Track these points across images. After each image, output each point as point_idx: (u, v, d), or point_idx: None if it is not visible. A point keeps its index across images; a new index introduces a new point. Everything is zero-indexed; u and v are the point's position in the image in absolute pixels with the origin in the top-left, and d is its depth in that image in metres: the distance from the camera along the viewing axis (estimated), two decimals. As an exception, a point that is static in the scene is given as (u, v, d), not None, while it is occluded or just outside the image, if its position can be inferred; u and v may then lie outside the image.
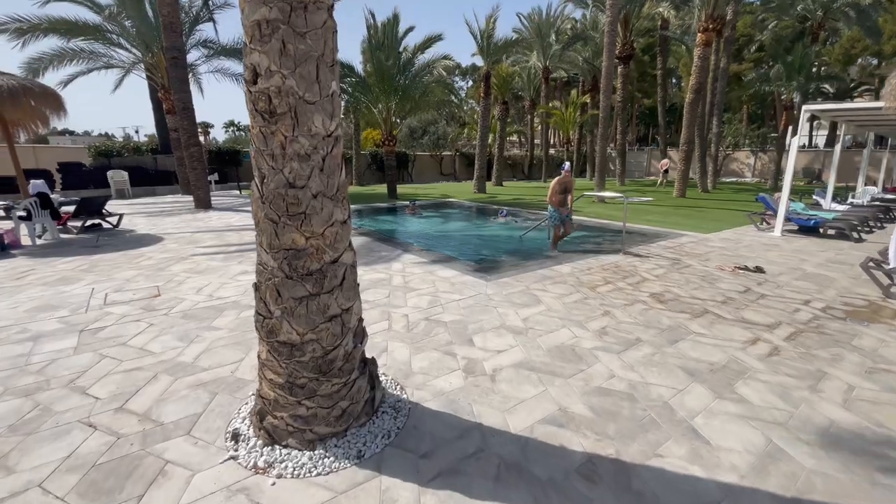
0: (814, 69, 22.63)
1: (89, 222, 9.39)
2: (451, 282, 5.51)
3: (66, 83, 16.72)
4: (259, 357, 2.47)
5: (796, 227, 9.77)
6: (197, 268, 6.22)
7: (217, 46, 17.87)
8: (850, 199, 13.54)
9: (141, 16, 15.32)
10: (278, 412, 2.39)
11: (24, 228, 8.08)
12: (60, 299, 4.90)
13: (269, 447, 2.37)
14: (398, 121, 17.38)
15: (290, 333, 2.29)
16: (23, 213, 8.07)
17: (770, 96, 35.57)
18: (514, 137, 45.52)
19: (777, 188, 21.69)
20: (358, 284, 2.56)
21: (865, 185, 14.78)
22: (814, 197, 13.08)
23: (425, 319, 4.24)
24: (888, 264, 5.53)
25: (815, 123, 39.22)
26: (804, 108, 8.86)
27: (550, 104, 25.59)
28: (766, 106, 40.67)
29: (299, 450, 2.35)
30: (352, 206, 2.51)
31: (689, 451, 2.44)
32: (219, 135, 71.91)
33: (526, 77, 28.83)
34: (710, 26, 15.64)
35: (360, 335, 2.60)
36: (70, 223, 9.30)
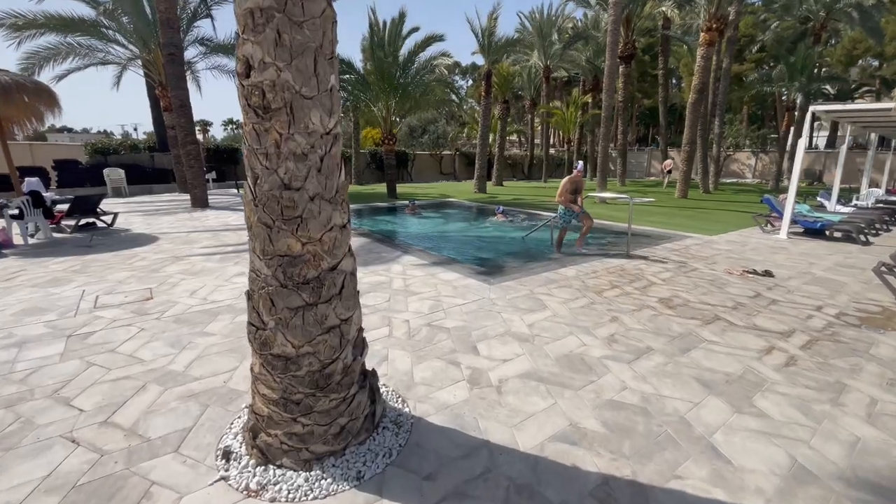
0: (816, 70, 22.52)
1: (83, 221, 9.22)
2: (453, 285, 5.35)
3: (60, 78, 16.49)
4: (252, 370, 2.31)
5: (802, 230, 9.63)
6: (192, 269, 6.05)
7: (213, 44, 17.65)
8: (854, 201, 13.42)
9: (138, 11, 15.11)
10: (272, 429, 2.23)
11: (16, 227, 7.90)
12: (49, 302, 4.74)
13: (263, 467, 2.21)
14: (398, 119, 17.21)
15: (285, 346, 2.14)
16: (15, 212, 7.90)
17: (770, 97, 35.47)
18: (514, 137, 45.38)
19: (779, 189, 21.58)
20: (358, 292, 2.40)
21: (869, 186, 14.64)
22: (818, 199, 12.95)
23: (427, 325, 4.09)
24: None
25: (815, 125, 39.10)
26: (811, 108, 8.72)
27: (551, 104, 25.42)
28: (766, 107, 40.59)
29: (295, 470, 2.19)
30: (350, 206, 2.35)
31: (711, 473, 2.29)
32: (218, 133, 71.67)
33: (526, 76, 28.68)
34: (714, 26, 15.49)
35: (360, 346, 2.44)
36: (64, 222, 9.14)
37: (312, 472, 2.17)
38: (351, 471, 2.19)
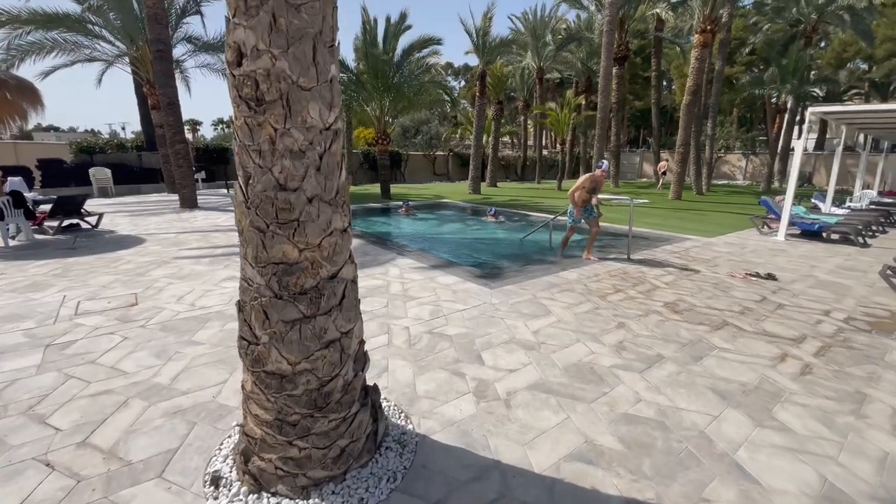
0: (806, 73, 22.66)
1: (66, 222, 8.91)
2: (452, 289, 5.17)
3: (45, 75, 16.08)
4: (243, 388, 2.11)
5: (799, 232, 9.60)
6: (179, 273, 5.81)
7: (200, 43, 17.29)
8: (847, 203, 13.45)
9: (124, 7, 14.74)
10: (266, 453, 2.04)
11: (-5, 229, 7.58)
12: (28, 308, 4.48)
13: (255, 495, 2.01)
14: (390, 119, 16.99)
15: (280, 363, 1.94)
16: (-6, 213, 7.58)
17: (760, 99, 35.77)
18: (506, 139, 45.33)
19: (770, 191, 21.68)
20: (359, 301, 2.22)
21: (862, 188, 14.71)
22: (812, 200, 12.95)
23: (428, 333, 3.90)
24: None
25: (803, 126, 39.47)
26: (810, 110, 8.68)
27: (546, 105, 25.35)
28: (756, 109, 40.94)
29: (290, 498, 2.00)
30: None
31: (739, 494, 2.14)
32: (207, 132, 70.82)
33: (519, 77, 28.58)
34: (709, 28, 15.49)
35: (362, 361, 2.26)
36: (46, 223, 8.81)
37: (310, 501, 1.98)
38: (352, 498, 2.01)
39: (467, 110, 33.16)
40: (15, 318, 4.19)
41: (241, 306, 2.01)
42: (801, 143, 8.80)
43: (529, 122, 31.88)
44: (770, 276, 6.07)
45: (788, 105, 22.45)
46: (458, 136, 34.94)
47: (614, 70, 21.39)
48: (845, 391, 3.15)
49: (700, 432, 2.60)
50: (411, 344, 3.69)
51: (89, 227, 9.18)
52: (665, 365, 3.42)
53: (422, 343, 3.70)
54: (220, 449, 2.35)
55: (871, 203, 13.47)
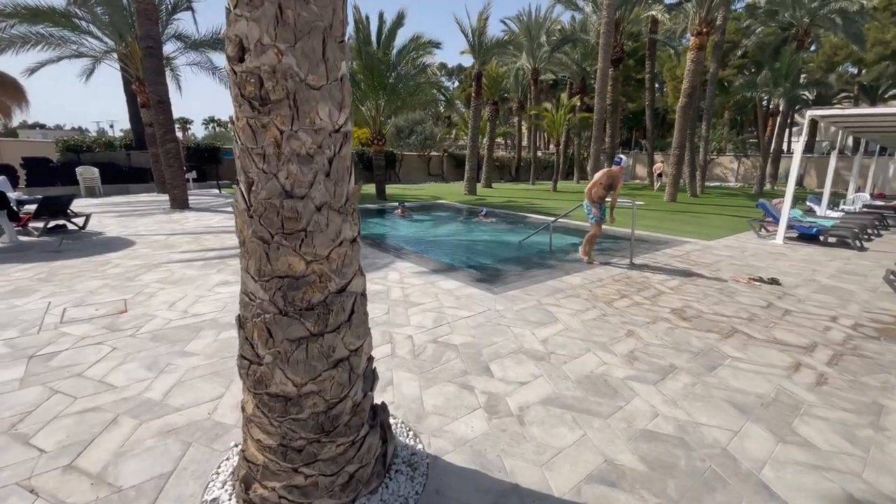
0: (797, 76, 22.83)
1: (52, 223, 8.63)
2: (454, 295, 5.03)
3: (32, 71, 15.68)
4: (243, 410, 1.96)
5: (796, 235, 9.59)
6: (171, 277, 5.61)
7: (190, 40, 16.96)
8: (841, 206, 13.51)
9: (113, 1, 14.40)
10: (269, 481, 1.88)
11: (-23, 230, 7.31)
12: (11, 316, 4.27)
13: (257, 527, 1.86)
14: (384, 119, 16.79)
15: (285, 384, 1.79)
16: (-24, 214, 7.31)
17: (751, 102, 36.08)
18: (500, 139, 45.29)
19: (763, 193, 21.81)
20: (367, 315, 2.07)
21: (856, 191, 14.79)
22: (808, 203, 12.99)
23: (433, 342, 3.76)
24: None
25: (793, 129, 39.89)
26: (809, 113, 8.66)
27: (541, 106, 25.30)
28: (746, 112, 41.29)
29: (295, 530, 1.85)
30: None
31: (771, 520, 2.02)
32: (198, 131, 70.04)
33: (514, 78, 28.52)
34: (704, 30, 15.51)
35: (370, 379, 2.11)
36: (31, 224, 8.54)
37: (317, 533, 1.84)
38: (363, 529, 1.86)
39: (461, 111, 33.01)
40: (-4, 327, 3.98)
41: (241, 322, 1.86)
42: (801, 146, 8.78)
43: (524, 123, 31.81)
44: (773, 281, 6.01)
45: (781, 108, 22.64)
46: (452, 136, 34.82)
47: (610, 72, 21.38)
48: (863, 402, 3.06)
49: (723, 449, 2.49)
50: (416, 354, 3.54)
51: (76, 228, 8.91)
52: (679, 376, 3.31)
53: (427, 353, 3.56)
54: (218, 473, 2.19)
55: (864, 206, 13.54)
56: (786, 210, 9.12)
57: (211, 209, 12.63)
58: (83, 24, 14.73)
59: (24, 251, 7.08)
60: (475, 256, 8.02)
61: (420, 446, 2.43)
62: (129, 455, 2.34)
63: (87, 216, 9.09)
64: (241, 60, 1.60)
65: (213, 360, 3.39)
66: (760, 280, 6.05)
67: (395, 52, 15.51)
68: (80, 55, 15.78)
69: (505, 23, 26.46)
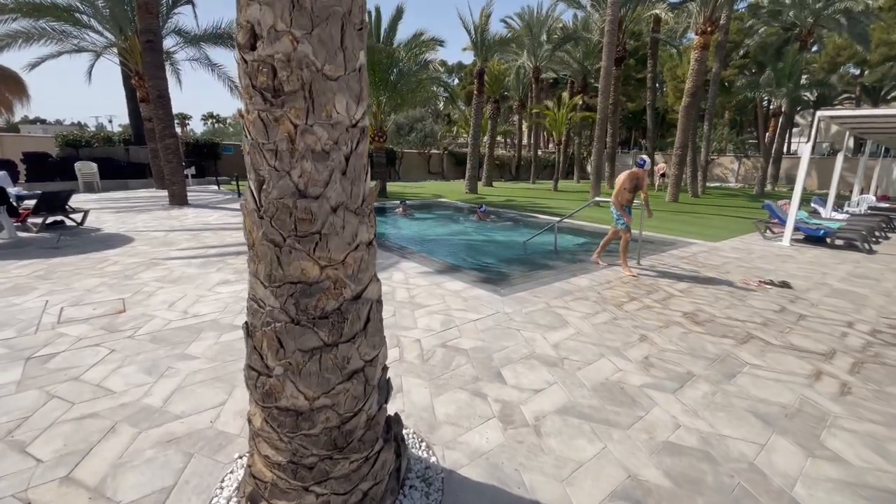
0: (800, 77, 22.73)
1: (50, 219, 8.49)
2: (461, 296, 4.92)
3: (33, 66, 15.51)
4: (250, 423, 1.84)
5: (802, 237, 9.49)
6: (170, 276, 5.48)
7: (189, 35, 16.75)
8: (846, 208, 13.42)
9: (113, -5, 14.22)
10: (277, 500, 1.77)
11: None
12: (8, 315, 4.14)
13: (265, 549, 1.74)
14: (385, 116, 16.64)
15: (296, 398, 1.67)
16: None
17: (751, 103, 35.95)
18: (499, 138, 45.15)
19: (765, 194, 21.73)
20: (383, 323, 1.95)
21: (860, 193, 14.70)
22: (812, 205, 12.90)
23: (441, 346, 3.64)
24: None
25: (792, 130, 39.81)
26: (819, 113, 8.55)
27: (543, 104, 25.16)
28: (747, 112, 41.19)
29: (306, 553, 1.73)
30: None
31: (808, 542, 1.91)
32: (197, 126, 69.77)
33: (515, 76, 28.37)
34: (709, 29, 15.38)
35: (385, 390, 1.99)
36: (30, 220, 8.40)
37: (329, 556, 1.72)
38: (377, 552, 1.75)
39: (461, 108, 32.84)
40: (-9, 327, 3.85)
41: (249, 330, 1.73)
42: (809, 147, 8.67)
43: (524, 121, 31.66)
44: (784, 284, 5.90)
45: (783, 109, 22.54)
46: (453, 133, 34.67)
47: (612, 70, 21.25)
48: (891, 414, 2.95)
49: (750, 464, 2.38)
50: (425, 359, 3.42)
51: (74, 224, 8.77)
52: (698, 384, 3.19)
53: (436, 358, 3.44)
54: (222, 488, 2.07)
55: (870, 208, 13.46)
56: (793, 212, 9.02)
57: (210, 206, 12.49)
58: (84, 18, 14.56)
59: (22, 247, 6.94)
60: (479, 256, 7.90)
61: (434, 459, 2.31)
62: (129, 466, 2.22)
63: (86, 212, 8.95)
64: (253, 48, 1.48)
65: (215, 364, 3.26)
66: (771, 283, 5.95)
67: (395, 47, 15.37)
68: (80, 50, 15.62)
69: (506, 21, 26.35)
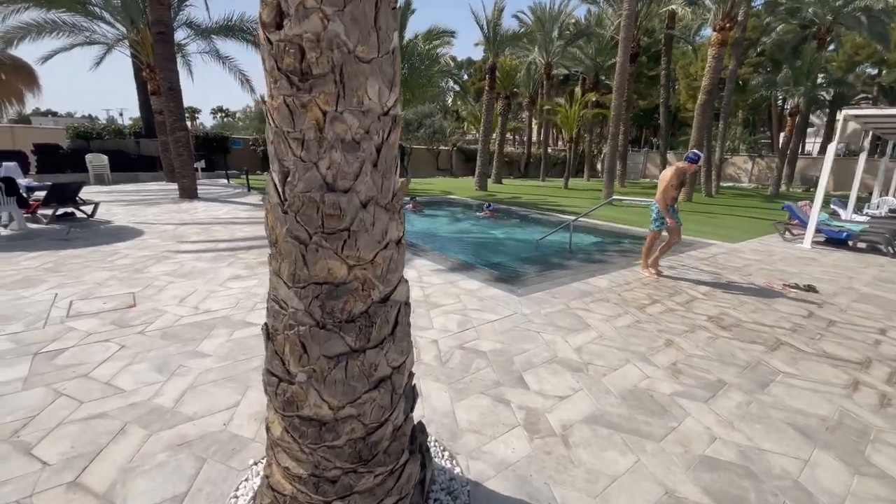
0: (820, 75, 22.31)
1: (61, 211, 8.45)
2: (477, 296, 4.78)
3: (46, 59, 15.54)
4: (269, 432, 1.72)
5: (823, 239, 9.25)
6: (181, 270, 5.40)
7: (200, 28, 16.68)
8: (866, 210, 13.10)
9: (125, -13, 14.19)
10: (297, 515, 1.65)
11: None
12: (16, 308, 4.07)
13: (283, 567, 1.63)
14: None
15: (320, 407, 1.55)
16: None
17: (765, 102, 35.38)
18: (508, 135, 44.83)
19: (780, 195, 21.37)
20: (410, 326, 1.82)
21: (881, 195, 14.36)
22: (832, 206, 12.60)
23: (459, 348, 3.52)
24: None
25: (807, 130, 39.19)
26: (844, 112, 8.31)
27: (555, 101, 24.88)
28: (760, 112, 40.57)
29: (327, 573, 1.62)
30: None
31: (866, 571, 1.77)
32: (206, 120, 70.00)
33: (525, 72, 28.09)
34: (727, 25, 15.06)
35: (410, 398, 1.87)
36: (40, 211, 8.37)
37: (352, 577, 1.60)
38: (404, 573, 1.63)
39: (470, 104, 32.58)
40: (1, 320, 3.78)
41: (270, 333, 1.61)
42: (833, 148, 8.43)
43: (534, 118, 31.38)
44: (810, 288, 5.71)
45: (800, 108, 22.12)
46: (463, 129, 34.45)
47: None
48: (936, 428, 2.79)
49: (794, 482, 2.23)
50: (443, 361, 3.30)
51: (84, 216, 8.73)
52: (731, 393, 3.04)
53: (454, 360, 3.31)
54: (237, 497, 1.96)
55: (891, 210, 13.12)
56: (815, 213, 8.79)
57: (220, 199, 12.44)
58: (96, 9, 14.54)
59: (32, 238, 6.90)
60: (492, 254, 7.76)
61: (458, 470, 2.19)
62: (139, 471, 2.12)
63: (96, 204, 8.91)
64: (279, 27, 1.35)
65: (227, 363, 3.16)
66: (796, 287, 5.76)
67: (406, 41, 15.21)
68: (91, 42, 15.63)
69: (518, 16, 26.05)
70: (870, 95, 33.95)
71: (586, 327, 4.02)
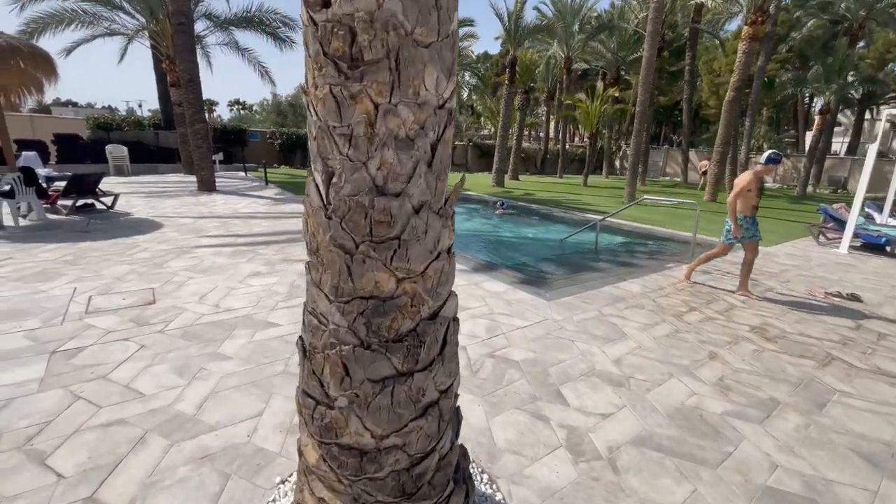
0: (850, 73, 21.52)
1: (81, 202, 8.45)
2: (504, 299, 4.60)
3: (69, 51, 15.68)
4: (302, 457, 1.56)
5: (859, 244, 8.86)
6: (200, 265, 5.30)
7: (219, 20, 16.65)
8: (901, 213, 12.56)
9: (146, -22, 14.20)
10: (332, 551, 1.49)
11: (6, 206, 7.13)
12: (34, 302, 3.99)
13: None
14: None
15: (362, 435, 1.39)
16: (6, 188, 7.12)
17: (791, 100, 34.36)
18: (525, 130, 44.30)
19: (806, 196, 20.73)
20: (458, 345, 1.65)
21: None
22: (866, 209, 12.11)
23: (490, 356, 3.34)
24: None
25: (835, 129, 38.01)
26: (887, 112, 7.90)
27: (575, 96, 24.43)
28: (786, 110, 39.47)
29: None
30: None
31: None
32: (223, 113, 70.57)
33: (545, 67, 27.62)
34: (759, 19, 14.54)
35: (456, 422, 1.70)
36: (60, 202, 8.38)
37: None
38: None
39: (486, 99, 32.19)
40: (18, 315, 3.70)
41: (307, 351, 1.45)
42: (875, 148, 8.03)
43: (552, 113, 30.92)
44: (854, 297, 5.41)
45: (830, 106, 21.39)
46: (478, 125, 34.11)
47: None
48: None
49: (871, 520, 2.02)
50: (473, 371, 3.12)
51: (104, 208, 8.72)
52: (786, 414, 2.82)
53: (486, 370, 3.14)
54: (263, 522, 1.82)
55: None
56: (853, 217, 8.42)
57: (238, 193, 12.40)
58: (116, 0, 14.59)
59: (51, 230, 6.89)
60: (515, 254, 7.55)
61: (499, 497, 2.01)
62: (160, 487, 1.99)
63: (116, 196, 8.90)
64: (326, 5, 1.17)
65: (250, 367, 3.02)
66: (839, 295, 5.46)
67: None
68: (112, 33, 15.70)
69: (538, 9, 25.59)
70: (899, 94, 32.70)
71: (623, 336, 3.81)
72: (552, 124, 35.69)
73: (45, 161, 13.99)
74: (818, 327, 4.36)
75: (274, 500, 1.92)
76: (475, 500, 1.92)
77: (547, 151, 32.06)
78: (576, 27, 23.98)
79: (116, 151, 15.94)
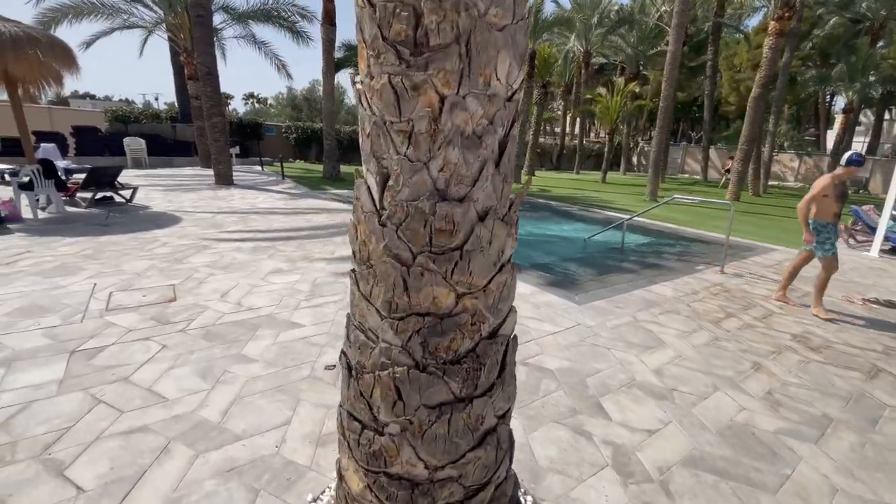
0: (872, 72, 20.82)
1: (100, 195, 8.44)
2: (531, 302, 4.44)
3: (88, 45, 15.76)
4: (343, 481, 1.43)
5: (889, 247, 8.52)
6: (221, 261, 5.22)
7: (236, 13, 16.58)
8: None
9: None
10: (377, 588, 1.36)
11: (25, 199, 7.13)
12: (53, 298, 3.93)
13: None
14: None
15: (414, 466, 1.25)
16: (25, 181, 7.12)
17: (812, 98, 33.41)
18: (540, 125, 43.79)
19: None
20: (516, 364, 1.50)
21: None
22: (892, 211, 11.68)
23: (523, 364, 3.18)
24: None
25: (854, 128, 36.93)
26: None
27: (595, 91, 24.01)
28: (807, 108, 38.44)
29: None
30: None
31: None
32: (238, 106, 70.92)
33: (562, 61, 27.19)
34: (786, 14, 14.07)
35: (509, 449, 1.55)
36: (78, 195, 8.39)
37: None
38: None
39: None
40: (37, 311, 3.64)
41: (353, 370, 1.32)
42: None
43: (568, 108, 30.48)
44: (891, 304, 5.16)
45: (853, 105, 20.76)
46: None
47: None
48: None
49: (954, 559, 1.84)
50: (507, 378, 2.97)
51: (123, 200, 8.71)
52: (841, 432, 2.63)
53: (519, 379, 2.98)
54: (296, 546, 1.70)
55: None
56: (885, 219, 8.10)
57: (256, 187, 12.36)
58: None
59: (70, 223, 6.87)
60: (537, 254, 7.36)
61: (547, 522, 1.87)
62: (186, 503, 1.87)
63: (134, 189, 8.89)
64: (387, -17, 1.02)
65: (275, 370, 2.91)
66: (877, 302, 5.21)
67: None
68: (130, 26, 15.72)
69: (557, 2, 25.18)
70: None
71: (661, 344, 3.63)
72: (568, 119, 35.21)
73: (63, 153, 14.09)
74: (859, 336, 4.13)
75: (306, 521, 1.80)
76: (522, 526, 1.78)
77: (563, 147, 31.65)
78: (595, 20, 23.55)
79: (134, 144, 16.02)
